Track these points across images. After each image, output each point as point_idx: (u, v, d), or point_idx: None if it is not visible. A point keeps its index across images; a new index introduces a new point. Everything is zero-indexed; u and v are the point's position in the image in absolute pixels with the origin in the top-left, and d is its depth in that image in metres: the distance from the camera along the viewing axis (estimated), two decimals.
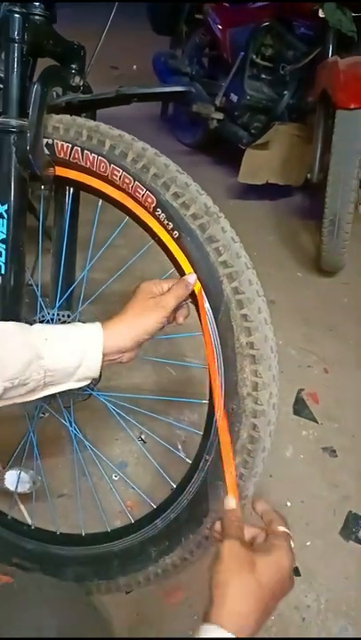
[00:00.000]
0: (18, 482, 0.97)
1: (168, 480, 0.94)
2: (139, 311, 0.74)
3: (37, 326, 0.72)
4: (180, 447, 1.35)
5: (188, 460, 0.87)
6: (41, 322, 0.93)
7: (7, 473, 0.97)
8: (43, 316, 0.94)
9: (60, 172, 0.82)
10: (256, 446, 0.75)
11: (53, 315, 0.95)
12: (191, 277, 0.74)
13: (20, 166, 0.78)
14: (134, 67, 4.67)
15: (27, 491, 0.98)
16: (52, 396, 0.89)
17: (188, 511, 0.82)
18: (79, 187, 0.84)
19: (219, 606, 0.54)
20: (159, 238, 0.77)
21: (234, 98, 2.56)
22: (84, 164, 0.79)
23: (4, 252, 0.80)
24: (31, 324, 0.73)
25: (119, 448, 1.33)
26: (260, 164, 2.38)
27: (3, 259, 0.80)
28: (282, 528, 0.62)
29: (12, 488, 0.98)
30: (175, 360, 1.62)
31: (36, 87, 0.77)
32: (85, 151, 0.79)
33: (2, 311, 0.83)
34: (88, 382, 0.76)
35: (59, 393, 0.83)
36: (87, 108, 0.84)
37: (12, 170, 0.78)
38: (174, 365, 1.63)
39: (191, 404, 1.44)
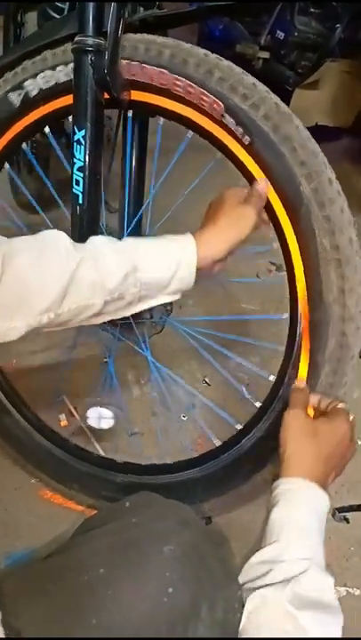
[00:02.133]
0: (100, 418, 0.98)
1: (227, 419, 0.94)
2: (229, 221, 0.73)
3: (129, 239, 0.72)
4: (244, 388, 1.35)
5: (252, 400, 0.88)
6: None
7: (89, 411, 0.99)
8: None
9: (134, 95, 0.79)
10: (345, 353, 0.73)
11: None
12: (261, 184, 0.72)
13: (97, 89, 0.75)
14: None
15: (110, 426, 1.00)
16: (130, 327, 0.89)
17: (276, 428, 0.80)
18: (140, 107, 0.80)
19: (286, 465, 0.64)
20: (228, 148, 0.74)
21: (280, 35, 2.42)
22: (144, 80, 0.76)
23: (81, 181, 0.78)
24: None
25: (183, 389, 1.35)
26: (309, 105, 2.28)
27: (80, 187, 0.78)
28: (341, 405, 0.71)
29: (95, 425, 1.00)
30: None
31: (112, 3, 0.73)
32: (143, 65, 0.75)
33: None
34: (179, 296, 0.76)
35: (136, 324, 0.83)
36: (164, 26, 0.79)
37: (90, 93, 0.75)
38: (230, 310, 1.62)
39: (254, 346, 1.43)
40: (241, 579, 0.57)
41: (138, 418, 1.26)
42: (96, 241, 0.70)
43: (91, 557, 0.51)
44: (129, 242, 0.72)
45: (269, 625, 0.51)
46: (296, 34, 2.36)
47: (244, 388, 1.32)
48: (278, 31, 2.43)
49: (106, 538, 0.53)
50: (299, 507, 0.60)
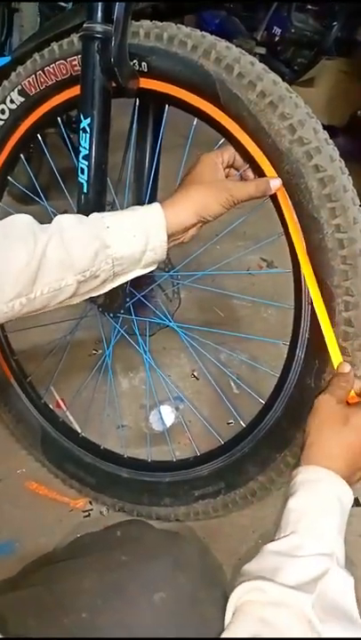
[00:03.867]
0: (162, 418, 0.97)
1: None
2: (203, 189, 0.71)
3: (95, 215, 0.69)
4: (232, 385, 1.35)
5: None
6: None
7: (150, 415, 0.97)
8: None
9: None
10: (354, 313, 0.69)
11: None
12: (275, 181, 0.70)
13: (103, 77, 0.74)
14: None
15: (174, 420, 0.98)
16: (129, 320, 0.88)
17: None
18: (147, 95, 0.79)
19: (307, 452, 0.59)
20: (239, 141, 0.73)
21: (277, 31, 2.42)
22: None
23: (86, 170, 0.77)
24: None
25: (172, 384, 1.35)
26: None
27: (85, 176, 0.77)
28: None
29: (161, 427, 0.98)
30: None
31: None
32: None
33: None
34: (155, 267, 0.74)
35: (135, 320, 0.82)
36: (176, 12, 0.78)
37: (96, 80, 0.74)
38: (221, 307, 1.62)
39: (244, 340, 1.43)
40: (249, 567, 0.51)
41: (126, 410, 1.25)
42: (62, 220, 0.67)
43: (74, 596, 0.46)
44: (96, 217, 0.69)
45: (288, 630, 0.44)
46: (293, 30, 2.36)
47: (232, 383, 1.33)
48: (275, 27, 2.43)
49: (92, 575, 0.48)
50: (319, 498, 0.55)
